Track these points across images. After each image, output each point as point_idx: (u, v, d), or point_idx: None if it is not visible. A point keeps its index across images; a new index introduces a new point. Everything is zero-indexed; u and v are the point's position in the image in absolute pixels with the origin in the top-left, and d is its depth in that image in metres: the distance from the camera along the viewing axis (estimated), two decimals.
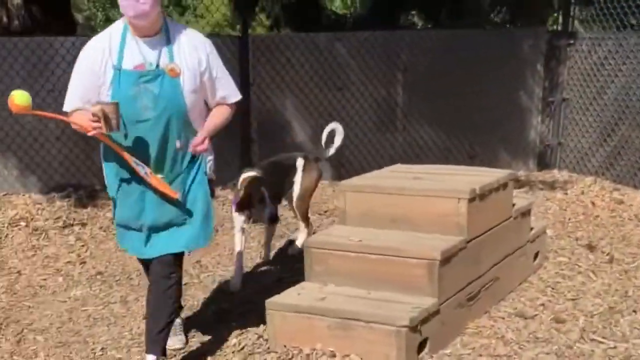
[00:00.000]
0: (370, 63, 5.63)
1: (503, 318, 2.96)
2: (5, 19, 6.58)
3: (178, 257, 2.61)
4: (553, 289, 3.33)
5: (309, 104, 5.56)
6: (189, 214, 2.55)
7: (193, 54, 2.51)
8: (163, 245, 2.55)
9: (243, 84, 5.33)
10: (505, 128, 5.97)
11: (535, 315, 3.01)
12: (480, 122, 5.85)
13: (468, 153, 5.87)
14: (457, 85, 5.71)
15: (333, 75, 5.57)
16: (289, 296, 2.75)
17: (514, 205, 3.34)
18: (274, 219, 3.75)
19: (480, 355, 2.57)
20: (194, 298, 3.37)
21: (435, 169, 3.47)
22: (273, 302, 2.71)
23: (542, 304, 3.14)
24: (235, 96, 2.68)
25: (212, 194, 2.68)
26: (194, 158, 2.56)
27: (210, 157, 2.68)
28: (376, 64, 5.64)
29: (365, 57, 5.61)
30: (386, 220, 2.96)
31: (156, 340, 2.55)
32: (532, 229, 3.57)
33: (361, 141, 5.67)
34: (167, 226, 2.54)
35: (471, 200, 2.83)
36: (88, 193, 4.87)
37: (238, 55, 5.34)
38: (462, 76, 5.70)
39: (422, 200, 2.90)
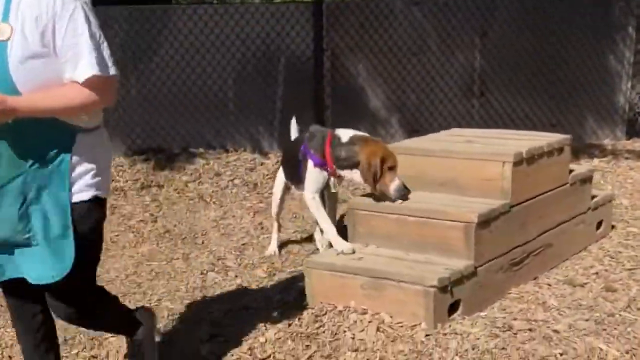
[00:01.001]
0: (447, 28, 5.53)
1: (550, 285, 2.90)
2: None
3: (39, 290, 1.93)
4: (612, 258, 3.21)
5: (383, 70, 5.55)
6: (34, 232, 1.86)
7: (34, 9, 1.79)
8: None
9: (317, 50, 5.42)
10: (592, 94, 5.72)
11: (586, 283, 2.92)
12: (564, 89, 5.65)
13: (550, 121, 5.67)
14: (539, 50, 5.53)
15: (408, 40, 5.52)
16: (327, 255, 2.82)
17: (571, 171, 3.25)
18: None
19: (515, 319, 2.53)
20: (250, 258, 3.50)
21: (491, 134, 3.41)
22: (311, 261, 2.78)
23: (596, 273, 3.03)
24: (86, 73, 1.81)
25: (98, 220, 1.98)
26: (46, 157, 1.85)
27: (93, 166, 1.92)
28: (453, 29, 5.53)
29: (442, 21, 5.52)
30: (435, 183, 2.95)
31: None
32: (594, 197, 3.44)
33: (436, 108, 5.60)
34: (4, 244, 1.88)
35: (516, 164, 2.78)
36: (167, 157, 5.13)
37: (312, 20, 5.40)
38: (545, 41, 5.51)
39: (468, 163, 2.88)
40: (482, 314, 2.60)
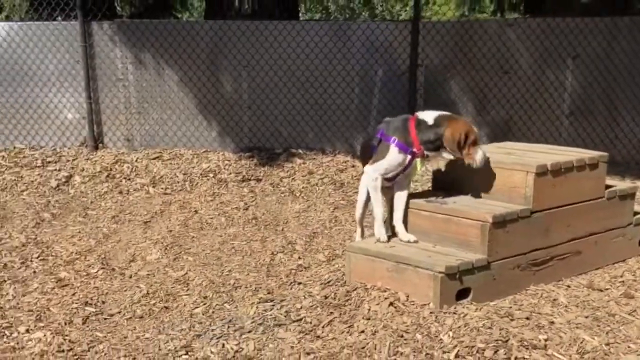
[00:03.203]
0: (540, 48, 5.78)
1: (569, 286, 3.18)
2: (237, 4, 7.77)
3: None
4: None
5: (475, 86, 5.89)
6: None
7: None
8: None
9: (412, 65, 5.86)
10: None
11: (607, 289, 3.17)
12: None
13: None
14: (631, 71, 5.65)
15: (501, 58, 5.83)
16: (366, 242, 3.28)
17: (610, 187, 3.48)
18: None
19: (519, 310, 2.86)
20: (317, 244, 4.02)
21: (535, 148, 3.71)
22: (351, 246, 3.26)
23: (622, 281, 3.27)
24: None
25: None
26: None
27: None
28: (546, 50, 5.77)
29: (535, 42, 5.78)
30: (470, 187, 3.33)
31: None
32: (637, 213, 3.64)
33: (525, 124, 5.85)
34: None
35: (539, 174, 3.10)
36: (268, 155, 5.77)
37: (409, 38, 5.85)
38: (637, 63, 5.62)
39: (499, 171, 3.24)
40: (492, 303, 2.94)
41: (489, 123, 5.93)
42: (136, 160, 5.47)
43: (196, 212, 4.69)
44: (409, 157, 3.20)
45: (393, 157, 3.19)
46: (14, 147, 5.67)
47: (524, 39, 5.79)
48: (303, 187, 5.22)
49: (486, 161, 3.16)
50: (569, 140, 5.71)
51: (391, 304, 2.87)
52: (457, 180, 3.38)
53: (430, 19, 10.42)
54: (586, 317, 2.82)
